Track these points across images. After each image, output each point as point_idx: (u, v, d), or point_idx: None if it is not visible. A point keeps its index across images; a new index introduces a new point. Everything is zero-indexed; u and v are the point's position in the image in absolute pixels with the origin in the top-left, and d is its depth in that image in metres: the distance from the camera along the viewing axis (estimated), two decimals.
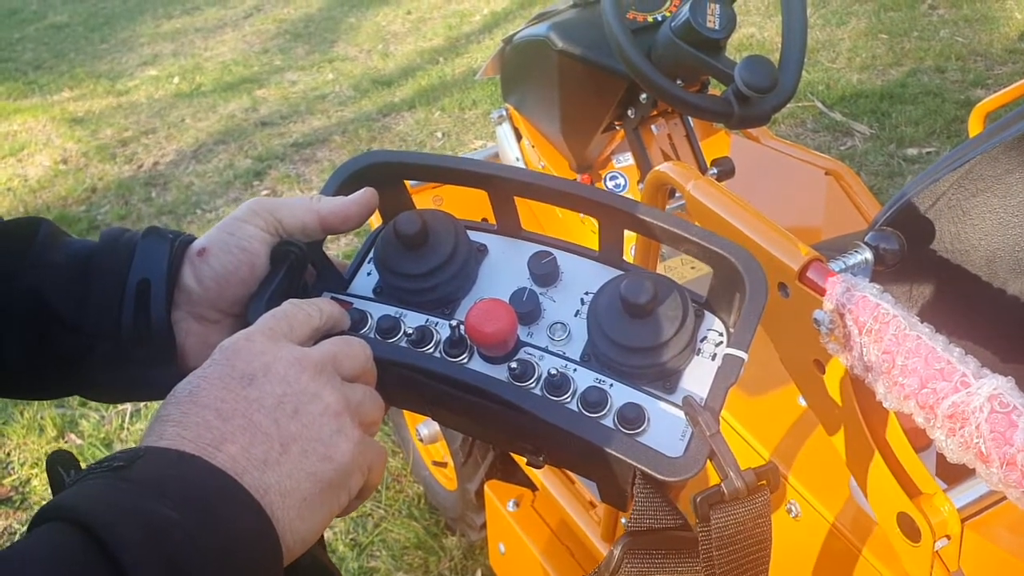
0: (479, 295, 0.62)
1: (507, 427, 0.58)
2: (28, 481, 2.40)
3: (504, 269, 0.63)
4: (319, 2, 6.41)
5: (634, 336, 0.56)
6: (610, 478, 0.56)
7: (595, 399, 0.55)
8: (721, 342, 0.59)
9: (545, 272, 0.62)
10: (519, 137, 1.81)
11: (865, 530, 0.98)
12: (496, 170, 0.62)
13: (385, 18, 5.90)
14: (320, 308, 0.57)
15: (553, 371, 0.56)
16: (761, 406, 1.16)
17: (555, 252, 0.63)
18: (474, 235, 0.65)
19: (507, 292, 0.61)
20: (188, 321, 0.61)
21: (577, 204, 0.62)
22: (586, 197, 0.61)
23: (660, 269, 1.49)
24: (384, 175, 0.64)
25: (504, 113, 1.81)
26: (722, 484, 0.52)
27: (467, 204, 1.01)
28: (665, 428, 0.55)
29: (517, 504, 1.66)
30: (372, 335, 0.59)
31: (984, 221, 0.86)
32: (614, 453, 0.53)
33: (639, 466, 0.52)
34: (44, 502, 0.48)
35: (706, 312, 0.60)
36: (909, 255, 0.87)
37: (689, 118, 1.65)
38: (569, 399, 0.56)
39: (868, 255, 0.87)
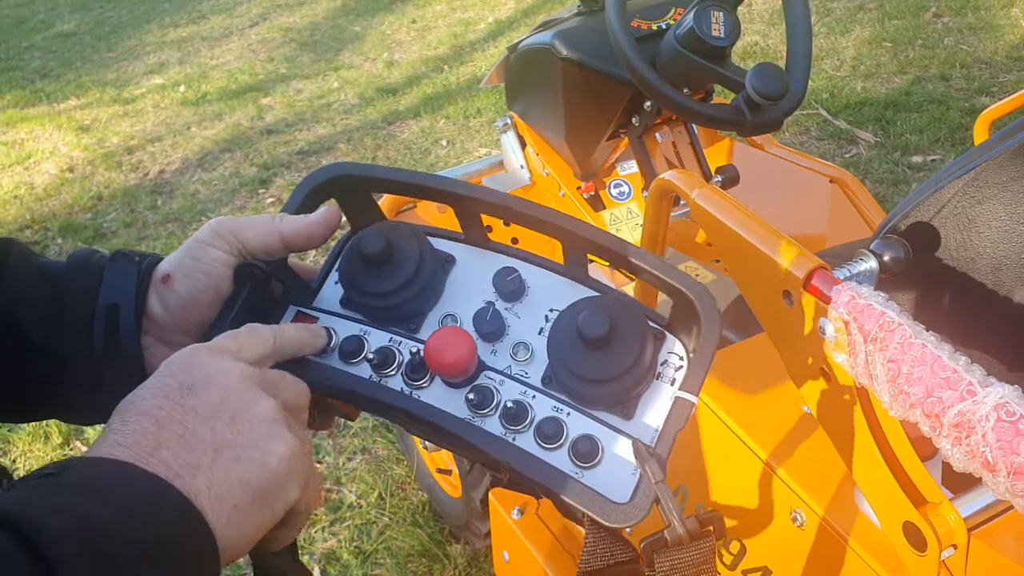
0: (445, 309, 0.63)
1: (469, 452, 0.60)
2: None
3: (470, 282, 0.64)
4: (324, 11, 6.43)
5: (592, 368, 0.58)
6: (564, 505, 0.58)
7: (551, 431, 0.57)
8: (681, 367, 0.60)
9: (511, 289, 0.63)
10: (523, 145, 1.81)
11: (871, 539, 0.97)
12: (454, 187, 0.63)
13: (390, 27, 5.92)
14: (279, 332, 0.57)
15: (510, 403, 0.58)
16: (765, 410, 1.15)
17: (521, 266, 0.64)
18: (441, 244, 0.65)
19: (472, 307, 0.63)
20: (157, 346, 0.62)
21: (537, 226, 0.63)
22: (546, 220, 0.62)
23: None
24: (347, 188, 0.65)
25: (508, 121, 1.81)
26: (665, 531, 0.55)
27: None
28: (618, 462, 0.57)
29: (521, 512, 1.65)
30: (335, 356, 0.60)
31: (990, 229, 0.86)
32: (563, 497, 0.56)
33: (586, 512, 0.55)
34: None
35: (667, 334, 0.61)
36: (914, 263, 0.87)
37: (693, 126, 1.65)
38: (526, 428, 0.58)
39: (873, 263, 0.86)
